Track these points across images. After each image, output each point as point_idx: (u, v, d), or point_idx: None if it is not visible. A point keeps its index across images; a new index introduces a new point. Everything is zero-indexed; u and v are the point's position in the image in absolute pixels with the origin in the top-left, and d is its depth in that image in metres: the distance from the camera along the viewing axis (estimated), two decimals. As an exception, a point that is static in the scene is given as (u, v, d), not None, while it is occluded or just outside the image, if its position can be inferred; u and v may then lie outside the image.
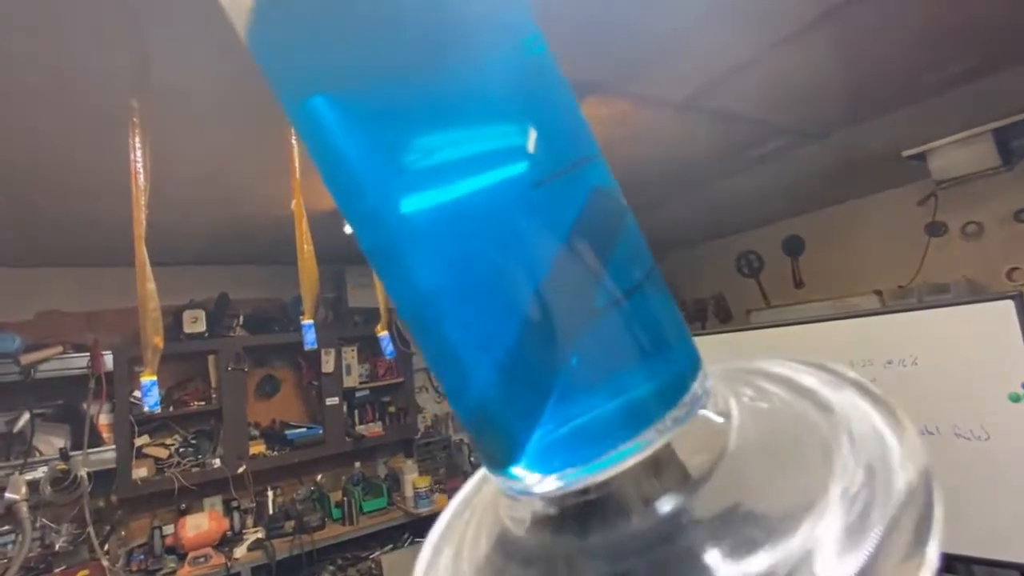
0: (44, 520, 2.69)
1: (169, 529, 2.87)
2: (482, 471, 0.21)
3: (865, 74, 1.96)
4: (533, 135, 0.16)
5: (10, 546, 2.70)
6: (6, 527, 2.71)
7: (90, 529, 2.75)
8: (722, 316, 4.69)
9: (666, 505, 0.15)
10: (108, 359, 2.86)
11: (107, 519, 2.89)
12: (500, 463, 0.17)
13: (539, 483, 0.16)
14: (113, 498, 2.87)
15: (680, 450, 0.16)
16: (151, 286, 1.02)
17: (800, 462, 0.16)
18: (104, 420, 2.90)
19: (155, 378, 1.10)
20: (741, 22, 1.54)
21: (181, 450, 3.05)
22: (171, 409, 3.04)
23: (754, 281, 4.46)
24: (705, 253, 4.88)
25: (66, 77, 1.37)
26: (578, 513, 0.16)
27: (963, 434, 1.98)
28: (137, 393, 2.95)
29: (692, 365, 0.17)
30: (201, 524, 2.84)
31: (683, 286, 5.08)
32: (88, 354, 2.84)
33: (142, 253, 1.03)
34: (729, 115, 2.16)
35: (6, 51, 1.25)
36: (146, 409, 1.15)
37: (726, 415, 0.17)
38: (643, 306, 0.17)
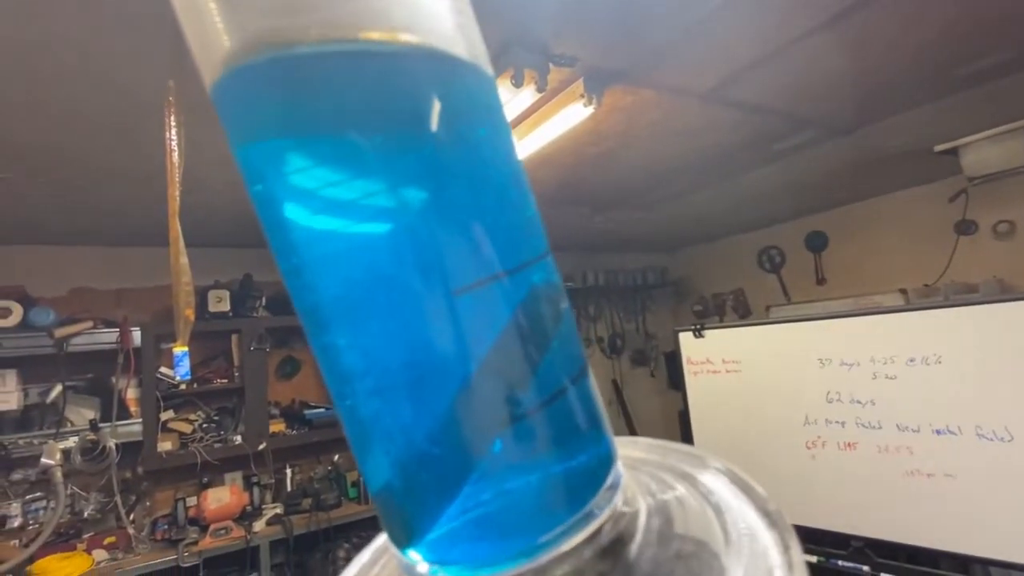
0: (74, 488, 2.80)
1: (192, 501, 2.96)
2: (381, 542, 0.21)
3: (895, 66, 1.91)
4: (479, 238, 0.15)
5: (41, 512, 2.82)
6: (38, 494, 2.83)
7: (117, 498, 2.86)
8: (741, 311, 4.65)
9: None
10: (136, 335, 2.95)
11: (133, 489, 3.00)
12: (399, 540, 0.16)
13: (432, 573, 0.15)
14: (139, 469, 2.97)
15: (585, 549, 0.15)
16: (184, 260, 1.06)
17: (702, 551, 0.16)
18: (131, 394, 2.99)
19: (187, 349, 1.14)
20: (767, 11, 1.52)
21: (204, 426, 3.14)
22: (195, 386, 3.13)
23: (775, 277, 4.40)
24: (726, 247, 4.83)
25: (102, 61, 1.41)
26: None
27: (985, 435, 1.95)
28: (164, 369, 3.04)
29: (607, 462, 0.17)
30: (222, 498, 2.92)
31: (702, 280, 5.04)
32: (117, 330, 2.93)
33: (176, 228, 1.07)
34: (754, 106, 2.13)
35: (44, 35, 1.29)
36: (177, 378, 1.20)
37: (632, 513, 0.17)
38: (568, 409, 0.16)
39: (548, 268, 0.18)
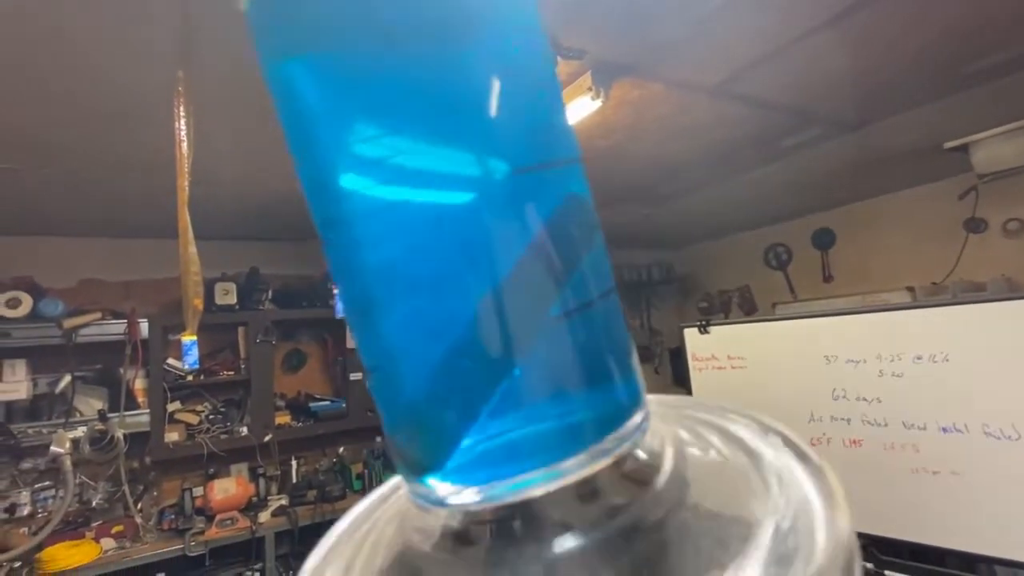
0: (83, 477, 2.83)
1: (199, 491, 2.99)
2: (387, 485, 0.21)
3: (904, 62, 1.90)
4: (519, 122, 0.15)
5: (50, 501, 2.85)
6: (47, 483, 2.87)
7: (125, 488, 2.89)
8: (747, 308, 4.64)
9: (585, 534, 0.14)
10: (144, 327, 2.97)
11: (141, 479, 3.03)
12: (419, 470, 0.16)
13: (456, 495, 0.15)
14: (147, 459, 3.00)
15: (609, 481, 0.15)
16: (193, 250, 1.07)
17: (729, 501, 0.15)
18: (139, 385, 3.02)
19: (195, 338, 1.15)
20: (775, 6, 1.51)
21: (211, 417, 3.17)
22: (202, 377, 3.15)
23: (781, 274, 4.39)
24: (732, 244, 4.81)
25: (110, 52, 1.41)
26: (491, 531, 0.15)
27: (993, 433, 1.94)
28: (171, 360, 3.07)
29: (634, 399, 0.17)
30: (228, 488, 2.95)
31: (708, 277, 5.03)
32: (125, 321, 2.95)
33: (185, 218, 1.07)
34: (763, 102, 2.12)
35: (51, 27, 1.30)
36: (185, 368, 1.20)
37: (659, 455, 0.17)
38: (597, 326, 0.16)
39: (583, 177, 0.18)
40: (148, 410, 2.97)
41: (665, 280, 5.03)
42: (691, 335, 2.73)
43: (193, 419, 3.11)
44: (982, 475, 1.93)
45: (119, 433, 2.76)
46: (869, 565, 2.13)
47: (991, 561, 1.99)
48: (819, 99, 2.13)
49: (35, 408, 2.82)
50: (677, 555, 0.14)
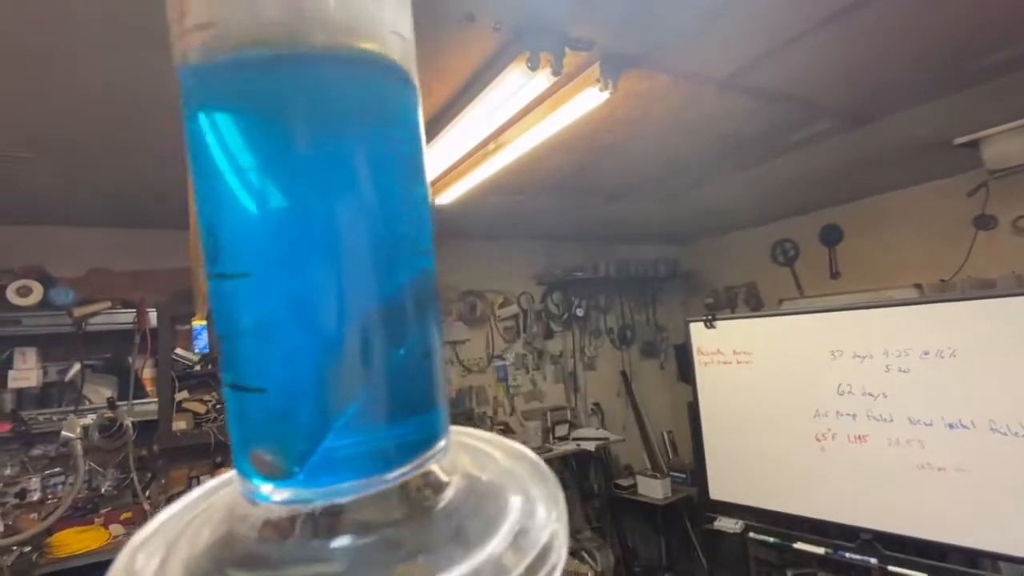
0: (92, 464, 2.86)
1: (206, 479, 3.01)
2: (219, 479, 0.23)
3: (915, 55, 1.88)
4: (391, 200, 0.19)
5: (60, 487, 2.88)
6: (57, 469, 2.90)
7: (133, 475, 2.91)
8: (753, 304, 4.62)
9: (381, 532, 0.18)
10: (152, 316, 2.99)
11: (149, 467, 3.06)
12: (262, 473, 0.19)
13: (279, 494, 0.18)
14: (155, 448, 3.03)
15: (400, 496, 0.19)
16: (204, 235, 1.08)
17: (487, 518, 0.19)
18: (148, 374, 3.05)
19: (205, 323, 1.16)
20: (791, -5, 1.50)
21: (218, 407, 3.19)
22: (210, 367, 3.18)
23: (788, 270, 4.37)
24: (739, 240, 4.79)
25: (119, 40, 1.42)
26: (300, 525, 0.18)
27: (999, 429, 1.93)
28: (179, 350, 3.09)
29: (443, 427, 0.21)
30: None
31: (714, 273, 5.01)
32: (134, 310, 2.98)
33: (193, 207, 1.08)
34: (772, 94, 2.11)
35: (60, 17, 1.31)
36: (195, 355, 1.22)
37: (451, 472, 0.21)
38: (429, 368, 0.20)
39: (431, 260, 0.21)
40: (156, 399, 2.99)
41: (671, 276, 5.02)
42: (697, 329, 2.72)
43: (201, 408, 3.14)
44: (988, 471, 1.92)
45: (128, 421, 2.79)
46: (873, 560, 2.13)
47: (995, 557, 1.99)
48: (829, 93, 2.12)
49: (45, 396, 2.85)
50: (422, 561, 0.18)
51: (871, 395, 2.21)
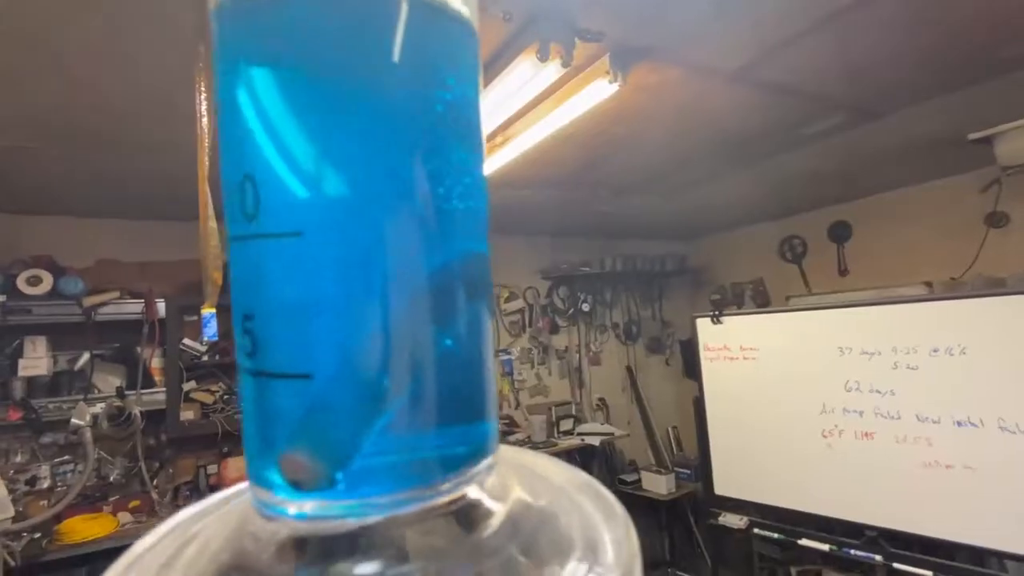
0: (101, 452, 2.89)
1: (213, 469, 3.04)
2: (223, 493, 0.21)
3: (931, 48, 1.86)
4: (439, 162, 0.17)
5: (69, 475, 2.92)
6: (66, 457, 2.93)
7: (141, 464, 2.95)
8: (760, 301, 4.60)
9: (419, 561, 0.15)
10: (161, 307, 3.01)
11: (157, 456, 3.09)
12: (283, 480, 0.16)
13: (303, 507, 0.16)
14: (163, 437, 3.06)
15: (442, 520, 0.16)
16: (212, 224, 1.08)
17: (540, 555, 0.16)
18: (156, 364, 3.07)
19: (214, 310, 1.16)
20: (804, -14, 1.49)
21: (225, 397, 3.22)
22: (217, 358, 3.20)
23: (796, 267, 4.34)
24: (747, 236, 4.77)
25: (129, 28, 1.43)
26: (333, 545, 0.15)
27: (1008, 427, 1.92)
28: (187, 340, 3.11)
29: (492, 443, 0.18)
30: (242, 467, 2.96)
31: (721, 269, 4.99)
32: (143, 301, 3.00)
33: (205, 192, 1.08)
34: (783, 88, 2.09)
35: (72, 6, 1.31)
36: (204, 343, 1.22)
37: (500, 499, 0.18)
38: (480, 370, 0.18)
39: (484, 238, 0.19)
40: (164, 388, 3.02)
41: (678, 271, 5.00)
42: (703, 325, 2.71)
43: (208, 398, 3.16)
44: (996, 470, 1.91)
45: (136, 410, 2.82)
46: (878, 557, 2.12)
47: (1003, 556, 1.98)
48: (840, 87, 2.10)
49: (55, 384, 2.88)
50: None
51: (879, 392, 2.20)
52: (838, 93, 2.16)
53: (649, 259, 4.83)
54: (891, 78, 2.07)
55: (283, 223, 0.16)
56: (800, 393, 2.42)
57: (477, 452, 0.18)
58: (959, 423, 2.02)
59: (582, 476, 0.21)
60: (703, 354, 2.80)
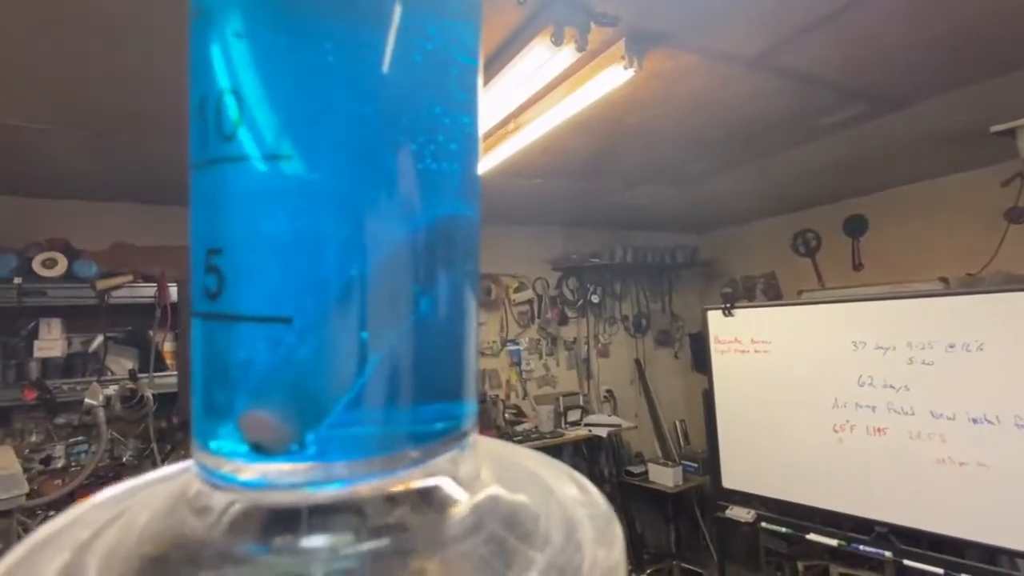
0: (114, 433, 2.93)
1: (223, 452, 3.07)
2: (165, 470, 0.19)
3: (955, 37, 1.81)
4: (424, 116, 0.16)
5: (83, 455, 2.96)
6: (80, 438, 2.98)
7: (154, 445, 2.98)
8: (772, 295, 4.56)
9: (381, 537, 0.14)
10: (173, 291, 3.04)
11: (168, 439, 3.12)
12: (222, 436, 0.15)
13: (261, 472, 0.14)
14: (174, 420, 3.09)
15: (407, 496, 0.15)
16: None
17: (511, 548, 0.15)
18: (168, 347, 3.10)
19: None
20: (828, -31, 1.45)
21: (236, 382, 3.24)
22: (228, 343, 3.22)
23: (809, 261, 4.29)
24: (759, 229, 4.71)
25: (146, 10, 1.42)
26: (291, 520, 0.14)
27: (1025, 425, 1.89)
28: (198, 325, 3.14)
29: (469, 423, 0.17)
30: (252, 451, 3.02)
31: (733, 262, 4.95)
32: (155, 285, 3.02)
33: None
34: (802, 76, 2.05)
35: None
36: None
37: (471, 485, 0.17)
38: (460, 342, 0.16)
39: (474, 200, 0.18)
40: (176, 372, 3.05)
41: (689, 264, 4.96)
42: (714, 317, 2.68)
43: (219, 383, 3.19)
44: (1012, 468, 1.88)
45: (148, 393, 2.85)
46: (888, 554, 2.10)
47: (1014, 554, 1.95)
48: (863, 74, 2.05)
49: (69, 365, 2.92)
50: None
51: (892, 387, 2.17)
52: (859, 82, 2.12)
53: (659, 251, 4.80)
54: (914, 67, 2.02)
55: (269, 144, 0.14)
56: (812, 387, 2.39)
57: (454, 430, 0.16)
58: (974, 420, 1.99)
59: (562, 466, 0.20)
60: (713, 347, 2.77)
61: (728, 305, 2.70)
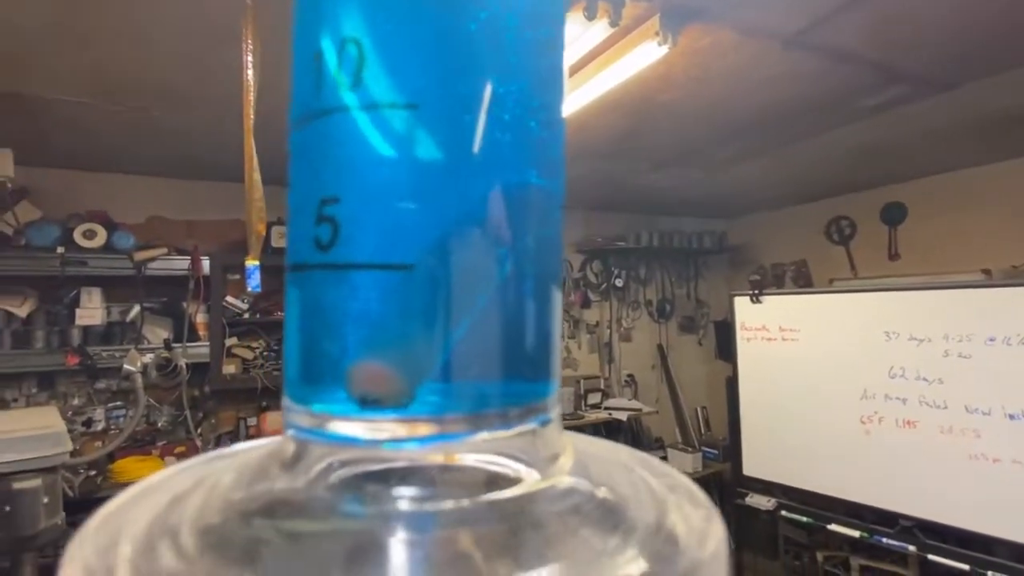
0: (150, 399, 3.05)
1: (252, 421, 3.18)
2: (257, 442, 0.19)
3: (1008, 13, 1.71)
4: (512, 86, 0.16)
5: (121, 419, 3.09)
6: (119, 403, 3.11)
7: (187, 412, 3.10)
8: (801, 283, 4.45)
9: (460, 500, 0.14)
10: (206, 264, 3.12)
11: (201, 406, 3.24)
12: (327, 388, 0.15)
13: (373, 428, 0.14)
14: (206, 388, 3.20)
15: (507, 455, 0.15)
16: (257, 176, 1.10)
17: (598, 534, 0.14)
18: (200, 319, 3.20)
19: (258, 263, 1.19)
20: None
21: (265, 354, 3.33)
22: (257, 316, 3.31)
23: (843, 249, 4.17)
24: (791, 216, 4.59)
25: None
26: (405, 477, 0.14)
27: (1066, 423, 1.82)
28: (230, 298, 3.22)
29: (554, 401, 0.17)
30: (279, 421, 3.12)
31: (762, 249, 4.84)
32: (189, 258, 3.11)
33: (250, 144, 1.10)
34: (845, 54, 1.96)
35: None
36: (248, 290, 1.26)
37: (555, 457, 0.16)
38: (542, 312, 0.16)
39: (558, 174, 0.17)
40: (208, 343, 3.15)
41: (716, 250, 4.87)
42: (742, 304, 2.64)
43: (248, 354, 3.29)
44: (1049, 466, 1.82)
45: (182, 362, 2.95)
46: (912, 548, 2.07)
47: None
48: (907, 54, 1.96)
49: (109, 333, 3.03)
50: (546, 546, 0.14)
51: (926, 380, 2.11)
52: (904, 61, 2.02)
53: (686, 236, 4.72)
54: (959, 48, 1.92)
55: (396, 92, 0.14)
56: (841, 377, 2.34)
57: (543, 397, 0.16)
58: (1012, 416, 1.92)
59: (666, 468, 0.19)
60: (740, 334, 2.73)
61: (756, 291, 2.64)
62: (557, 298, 0.17)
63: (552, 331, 0.17)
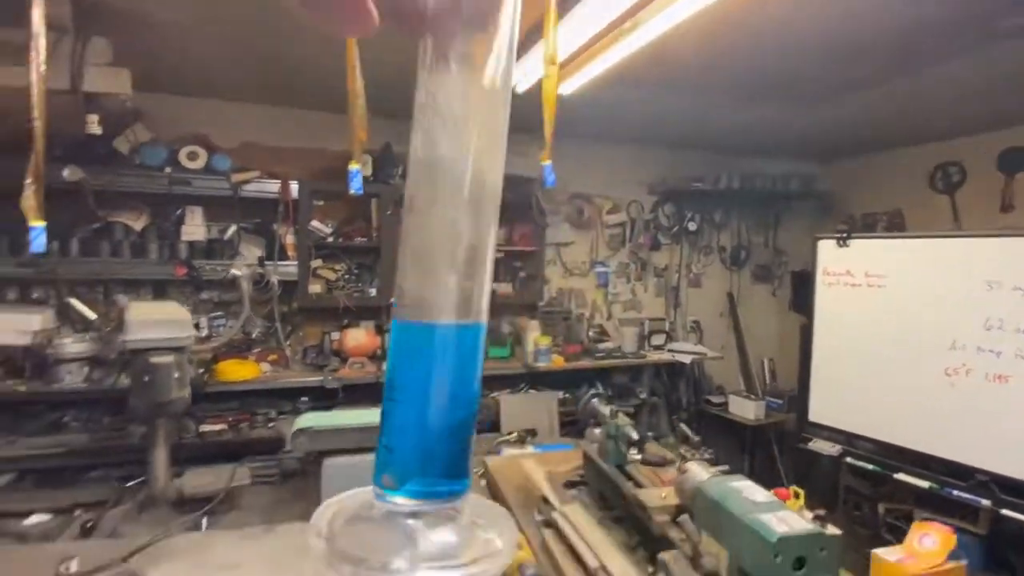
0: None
1: (335, 336, 3.44)
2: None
3: None
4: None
5: (221, 328, 3.44)
6: (219, 313, 3.45)
7: (278, 325, 3.41)
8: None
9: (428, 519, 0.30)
10: (294, 189, 3.32)
11: (290, 321, 3.54)
12: (398, 481, 0.30)
13: (396, 496, 0.30)
14: (294, 305, 3.48)
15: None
16: (360, 84, 1.16)
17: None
18: (290, 240, 3.43)
19: (359, 167, 1.28)
20: None
21: (346, 276, 3.56)
22: (340, 241, 3.51)
23: (947, 199, 3.82)
24: (892, 160, 4.23)
25: None
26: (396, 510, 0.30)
27: None
28: (315, 223, 3.43)
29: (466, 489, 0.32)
30: (359, 337, 3.37)
31: (855, 197, 4.52)
32: (279, 182, 3.31)
33: (353, 53, 1.16)
34: (980, -35, 1.74)
35: None
36: (351, 191, 1.35)
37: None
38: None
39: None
40: (296, 263, 3.39)
41: (802, 196, 4.59)
42: (826, 247, 2.51)
43: (332, 275, 3.52)
44: None
45: (274, 279, 3.22)
46: (986, 502, 2.00)
47: None
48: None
49: (210, 249, 3.33)
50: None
51: (1026, 333, 1.97)
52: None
53: (771, 179, 4.46)
54: None
55: (406, 398, 0.32)
56: (928, 327, 2.22)
57: (463, 489, 0.31)
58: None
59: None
60: (820, 279, 2.62)
61: (844, 234, 2.51)
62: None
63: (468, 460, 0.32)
